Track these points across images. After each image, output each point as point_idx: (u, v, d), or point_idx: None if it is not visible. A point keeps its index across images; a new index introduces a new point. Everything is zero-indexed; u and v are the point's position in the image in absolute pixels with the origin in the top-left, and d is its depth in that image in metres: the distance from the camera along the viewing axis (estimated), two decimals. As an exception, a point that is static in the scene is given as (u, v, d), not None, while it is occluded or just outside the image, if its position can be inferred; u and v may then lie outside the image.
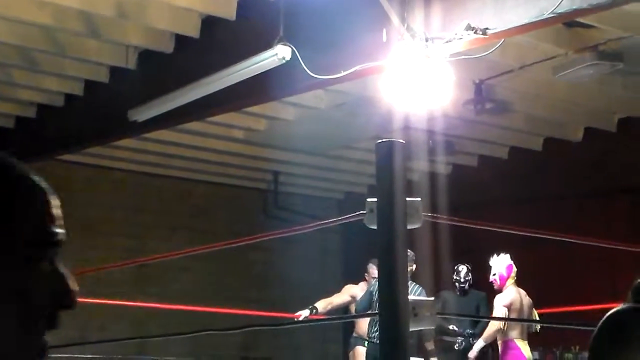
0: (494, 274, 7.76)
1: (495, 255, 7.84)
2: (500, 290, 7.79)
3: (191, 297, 9.64)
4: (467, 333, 8.11)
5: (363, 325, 7.84)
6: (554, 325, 7.77)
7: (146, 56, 7.61)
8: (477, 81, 8.35)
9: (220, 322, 8.07)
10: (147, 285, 10.67)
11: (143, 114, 7.50)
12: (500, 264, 7.77)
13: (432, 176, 10.20)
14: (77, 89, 8.41)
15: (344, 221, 3.36)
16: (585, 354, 10.15)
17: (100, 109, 8.24)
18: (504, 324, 7.64)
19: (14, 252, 0.86)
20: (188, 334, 4.40)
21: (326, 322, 9.96)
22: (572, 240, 4.91)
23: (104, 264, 8.72)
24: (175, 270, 10.90)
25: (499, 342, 7.76)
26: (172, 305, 8.86)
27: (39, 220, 0.89)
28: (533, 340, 10.50)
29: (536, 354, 10.75)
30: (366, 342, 7.68)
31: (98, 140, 8.98)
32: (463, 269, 8.22)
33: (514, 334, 7.73)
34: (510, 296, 7.65)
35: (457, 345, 8.11)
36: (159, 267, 10.60)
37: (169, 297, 9.93)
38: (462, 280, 8.19)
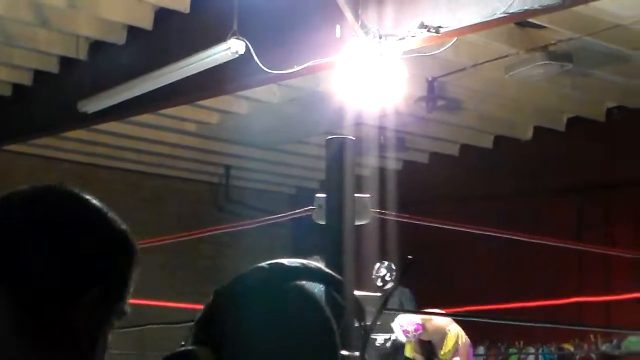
0: (408, 330, 7.85)
1: (398, 318, 7.90)
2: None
3: (140, 291, 9.54)
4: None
5: None
6: (500, 322, 7.85)
7: (97, 47, 7.54)
8: (430, 79, 8.40)
9: (170, 317, 8.03)
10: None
11: (93, 105, 7.42)
12: (407, 320, 7.85)
13: (383, 172, 10.25)
14: (26, 79, 8.29)
15: (292, 216, 3.37)
16: (530, 348, 10.26)
17: (50, 99, 8.14)
18: None
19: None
20: (131, 327, 4.37)
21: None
22: (520, 239, 4.98)
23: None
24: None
25: None
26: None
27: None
28: (478, 335, 10.64)
29: (482, 349, 10.88)
30: None
31: (47, 131, 8.88)
32: (382, 265, 8.17)
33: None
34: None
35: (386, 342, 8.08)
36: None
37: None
38: (383, 276, 8.12)
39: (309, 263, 1.06)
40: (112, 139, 10.12)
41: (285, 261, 1.06)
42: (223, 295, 1.04)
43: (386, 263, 8.13)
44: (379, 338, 7.88)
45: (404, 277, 8.15)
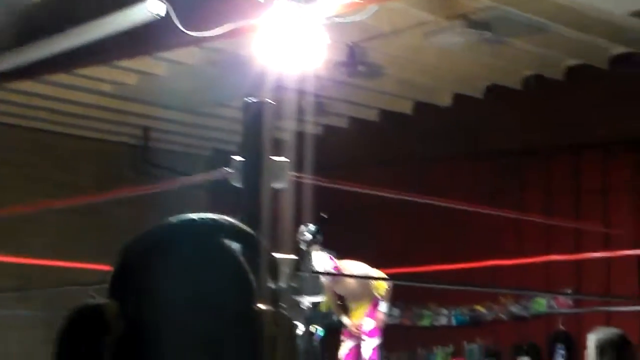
0: (324, 268, 7.83)
1: (314, 252, 7.89)
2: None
3: (56, 252, 9.41)
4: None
5: None
6: (413, 284, 7.98)
7: (10, 4, 7.31)
8: (350, 44, 8.41)
9: (86, 278, 7.94)
10: (4, 239, 10.34)
11: (5, 63, 7.21)
12: (323, 257, 7.85)
13: (303, 137, 10.24)
14: None
15: (210, 178, 3.35)
16: (443, 310, 10.44)
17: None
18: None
19: None
20: (45, 288, 4.31)
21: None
22: (435, 203, 5.06)
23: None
24: (37, 224, 10.60)
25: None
26: (30, 259, 8.63)
27: None
28: (393, 297, 10.79)
29: (397, 311, 11.05)
30: None
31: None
32: (304, 228, 8.12)
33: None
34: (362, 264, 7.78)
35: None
36: (17, 220, 10.28)
37: (29, 251, 9.66)
38: (305, 239, 8.05)
39: (222, 218, 1.04)
40: (25, 98, 9.87)
41: (195, 216, 1.02)
42: (133, 250, 1.02)
43: (311, 226, 8.10)
44: (305, 301, 7.88)
45: (319, 236, 8.17)
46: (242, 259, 1.00)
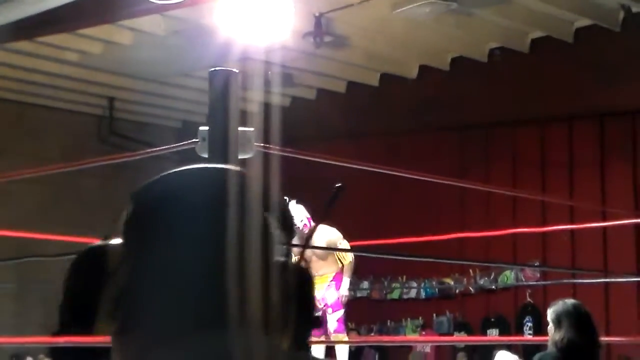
0: (301, 220, 7.79)
1: (293, 202, 7.87)
2: (303, 233, 7.82)
3: (19, 223, 9.31)
4: None
5: None
6: (383, 257, 8.01)
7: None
8: (317, 14, 8.38)
9: (51, 250, 7.86)
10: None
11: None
12: (299, 208, 7.82)
13: (270, 108, 10.21)
14: None
15: (176, 149, 3.32)
16: (412, 283, 10.43)
17: None
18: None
19: None
20: (12, 259, 4.27)
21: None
22: (401, 174, 5.06)
23: None
24: (1, 195, 10.50)
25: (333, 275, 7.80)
26: (-3, 231, 8.54)
27: None
28: (362, 270, 10.83)
29: (366, 283, 11.11)
30: None
31: None
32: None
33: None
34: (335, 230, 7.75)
35: None
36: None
37: (-5, 223, 9.58)
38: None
39: (237, 169, 1.00)
40: (-11, 67, 9.75)
41: (210, 165, 1.00)
42: (146, 195, 0.96)
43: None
44: None
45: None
46: (261, 208, 0.96)
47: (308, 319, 0.95)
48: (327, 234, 7.72)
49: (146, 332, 0.88)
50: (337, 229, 7.86)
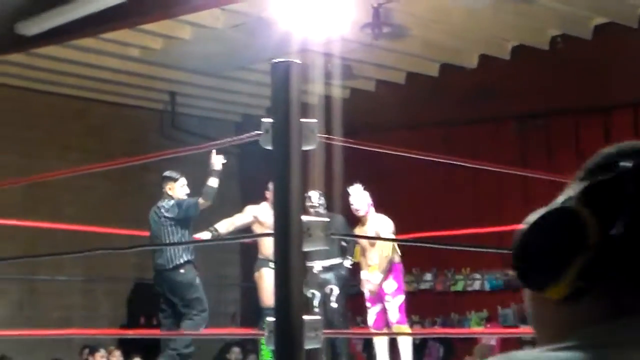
0: (358, 203, 7.76)
1: (353, 186, 7.85)
2: (363, 218, 7.79)
3: (85, 218, 9.50)
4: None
5: (267, 247, 7.61)
6: (446, 248, 7.96)
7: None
8: (375, 5, 8.35)
9: (115, 244, 7.99)
10: (38, 205, 10.45)
11: (32, 27, 7.25)
12: (363, 193, 7.79)
13: (330, 100, 10.24)
14: (-38, 1, 8.05)
15: (239, 142, 3.35)
16: (476, 275, 10.36)
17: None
18: (394, 247, 7.67)
19: None
20: (79, 253, 4.34)
21: (224, 242, 9.94)
22: (464, 164, 5.02)
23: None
24: (68, 191, 10.70)
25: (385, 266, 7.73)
26: (64, 225, 8.72)
27: None
28: (425, 262, 10.78)
29: (429, 276, 11.06)
30: (272, 264, 7.55)
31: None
32: (314, 194, 8.07)
33: (398, 256, 7.79)
34: (390, 221, 7.72)
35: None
36: (50, 187, 10.38)
37: (61, 218, 9.77)
38: (315, 205, 8.00)
39: None
40: (53, 63, 9.91)
41: None
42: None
43: (315, 192, 8.02)
44: (317, 265, 7.84)
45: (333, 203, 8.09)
46: None
47: None
48: (380, 224, 7.69)
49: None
50: (397, 219, 7.83)
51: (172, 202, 7.29)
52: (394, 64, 10.60)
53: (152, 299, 11.68)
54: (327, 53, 9.12)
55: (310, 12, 7.12)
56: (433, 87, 10.77)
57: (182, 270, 7.12)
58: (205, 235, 7.54)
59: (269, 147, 2.69)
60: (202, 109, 12.15)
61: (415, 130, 10.40)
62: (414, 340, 8.67)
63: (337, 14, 7.38)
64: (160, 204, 7.34)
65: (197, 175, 11.65)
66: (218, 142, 3.87)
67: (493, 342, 10.42)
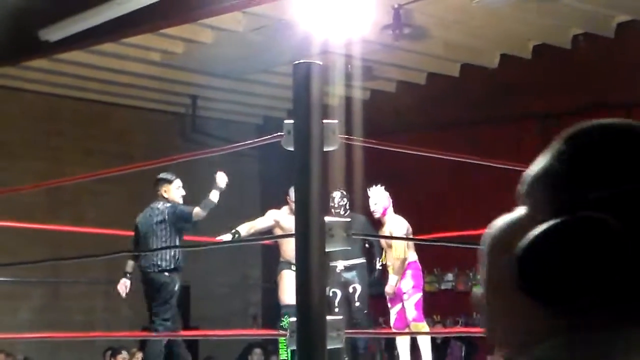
0: (376, 204, 7.78)
1: (373, 187, 7.86)
2: (382, 219, 7.79)
3: (107, 221, 9.57)
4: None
5: (289, 249, 7.61)
6: (467, 247, 7.94)
7: (58, -26, 7.38)
8: (396, 6, 8.35)
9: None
10: (61, 209, 10.53)
11: (55, 33, 7.29)
12: (381, 194, 7.80)
13: (351, 101, 10.24)
14: (-14, 8, 8.12)
15: (261, 143, 3.36)
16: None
17: (10, 27, 7.98)
18: (406, 248, 7.65)
19: None
20: (102, 255, 4.36)
21: (246, 242, 9.94)
22: (486, 164, 5.01)
23: (16, 186, 8.56)
24: (91, 194, 10.77)
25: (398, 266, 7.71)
26: (87, 228, 8.77)
27: None
28: (447, 262, 10.75)
29: (450, 276, 11.04)
30: (293, 267, 7.56)
31: (8, 61, 8.73)
32: (337, 194, 8.08)
33: (414, 255, 7.79)
34: (405, 222, 7.72)
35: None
36: (73, 190, 10.46)
37: (84, 221, 9.83)
38: (336, 206, 8.01)
39: None
40: (76, 68, 9.98)
41: None
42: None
43: (338, 192, 8.05)
44: (340, 265, 7.86)
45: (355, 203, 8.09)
46: None
47: None
48: (394, 225, 7.69)
49: None
50: (415, 219, 7.83)
51: (167, 205, 7.15)
52: (414, 65, 10.59)
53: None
54: (347, 55, 9.13)
55: (330, 14, 7.13)
56: (454, 88, 10.74)
57: (166, 274, 6.93)
58: (227, 237, 7.55)
59: (291, 149, 2.69)
60: (223, 112, 12.19)
61: (436, 131, 10.38)
62: (436, 339, 8.64)
63: (358, 15, 7.37)
64: (153, 205, 7.18)
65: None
66: (239, 144, 3.89)
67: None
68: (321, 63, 2.81)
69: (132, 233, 7.35)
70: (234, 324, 10.28)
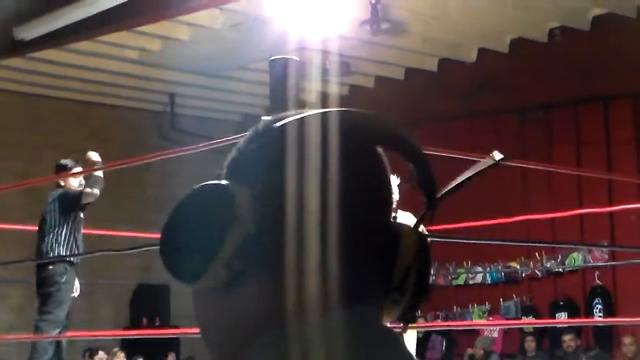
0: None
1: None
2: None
3: (85, 220, 9.51)
4: None
5: None
6: (447, 240, 7.95)
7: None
8: (373, 1, 8.34)
9: (118, 246, 7.98)
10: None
11: (30, 32, 7.24)
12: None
13: (329, 97, 10.23)
14: (-41, 7, 8.05)
15: (237, 141, 3.35)
16: (478, 268, 10.36)
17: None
18: None
19: None
20: (80, 255, 4.33)
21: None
22: (464, 157, 5.00)
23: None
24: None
25: None
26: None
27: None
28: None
29: (431, 270, 11.06)
30: None
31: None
32: None
33: None
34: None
35: None
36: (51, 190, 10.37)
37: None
38: None
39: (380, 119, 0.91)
40: (53, 67, 9.92)
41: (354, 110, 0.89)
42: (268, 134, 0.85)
43: None
44: None
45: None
46: (386, 165, 0.90)
47: (422, 289, 0.86)
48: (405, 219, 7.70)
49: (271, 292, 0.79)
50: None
51: (60, 191, 6.76)
52: (392, 60, 10.59)
53: (154, 300, 11.73)
54: (325, 50, 9.12)
55: (308, 10, 7.12)
56: (432, 82, 10.76)
57: (50, 267, 6.42)
58: None
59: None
60: (201, 110, 12.15)
61: (416, 125, 10.39)
62: (417, 333, 8.66)
63: (335, 11, 7.37)
64: (50, 192, 6.83)
65: (196, 176, 11.69)
66: (218, 141, 3.88)
67: (495, 335, 10.43)
68: (299, 59, 2.80)
69: (101, 231, 7.19)
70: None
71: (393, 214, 0.91)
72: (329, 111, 0.86)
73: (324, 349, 0.77)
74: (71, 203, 6.62)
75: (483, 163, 0.96)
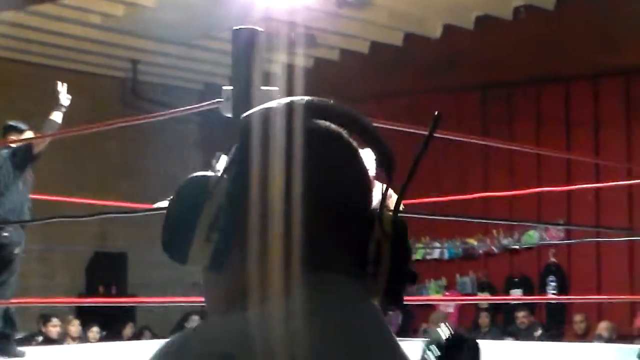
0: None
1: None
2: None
3: (45, 186, 9.42)
4: None
5: None
6: (405, 215, 8.00)
7: None
8: (340, -27, 8.32)
9: (76, 212, 7.91)
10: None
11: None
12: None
13: (294, 69, 10.19)
14: None
15: (201, 109, 3.32)
16: (435, 243, 10.42)
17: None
18: None
19: None
20: (38, 221, 4.29)
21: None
22: (424, 133, 5.02)
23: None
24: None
25: None
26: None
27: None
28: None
29: (389, 245, 11.12)
30: None
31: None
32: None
33: None
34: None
35: None
36: None
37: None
38: None
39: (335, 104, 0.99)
40: (13, 30, 9.76)
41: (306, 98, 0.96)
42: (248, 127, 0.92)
43: None
44: None
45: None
46: (359, 152, 0.97)
47: (403, 272, 0.92)
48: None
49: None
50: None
51: (8, 150, 6.41)
52: (358, 33, 10.57)
53: (111, 268, 11.67)
54: (291, 22, 9.07)
55: (273, -20, 7.06)
56: (397, 57, 10.76)
57: (5, 234, 6.12)
58: (165, 204, 7.44)
59: (229, 115, 2.67)
60: (164, 77, 12.05)
61: (380, 100, 10.40)
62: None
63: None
64: None
65: (157, 144, 11.62)
66: (179, 109, 3.84)
67: (450, 310, 10.54)
68: (264, 30, 2.78)
69: (60, 197, 7.03)
70: (173, 292, 10.23)
71: (366, 189, 0.96)
72: (292, 99, 0.95)
73: (285, 312, 0.82)
74: (23, 156, 6.39)
75: (429, 129, 1.02)
